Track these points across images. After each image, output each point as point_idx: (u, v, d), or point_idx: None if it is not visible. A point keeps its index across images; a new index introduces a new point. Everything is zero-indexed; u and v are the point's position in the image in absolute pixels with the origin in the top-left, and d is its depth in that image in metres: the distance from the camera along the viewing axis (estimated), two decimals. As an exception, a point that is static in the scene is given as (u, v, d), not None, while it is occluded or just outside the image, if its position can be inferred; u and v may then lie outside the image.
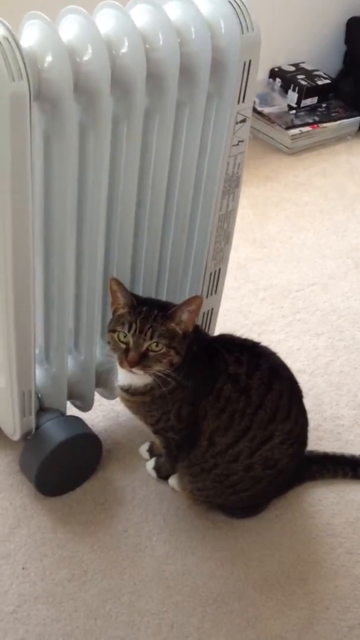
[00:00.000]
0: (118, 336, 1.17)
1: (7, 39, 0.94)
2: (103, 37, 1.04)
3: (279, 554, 1.32)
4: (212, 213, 1.32)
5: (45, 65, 0.99)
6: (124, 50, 1.06)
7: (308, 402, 1.34)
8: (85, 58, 1.02)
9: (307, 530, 1.36)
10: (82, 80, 1.03)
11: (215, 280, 1.44)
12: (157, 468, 1.41)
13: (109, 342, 1.21)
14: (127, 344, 1.16)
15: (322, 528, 1.37)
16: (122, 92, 1.09)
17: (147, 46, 1.08)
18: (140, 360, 1.15)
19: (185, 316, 1.17)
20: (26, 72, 0.95)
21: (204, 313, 1.48)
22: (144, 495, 1.39)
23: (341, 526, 1.38)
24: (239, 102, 1.21)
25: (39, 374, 1.31)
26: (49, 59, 0.99)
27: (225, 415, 1.24)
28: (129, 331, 1.16)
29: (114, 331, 1.18)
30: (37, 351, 1.29)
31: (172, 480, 1.39)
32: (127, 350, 1.16)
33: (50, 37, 0.99)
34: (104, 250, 1.25)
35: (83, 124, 1.09)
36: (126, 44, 1.06)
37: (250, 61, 1.18)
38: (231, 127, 1.23)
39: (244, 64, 1.17)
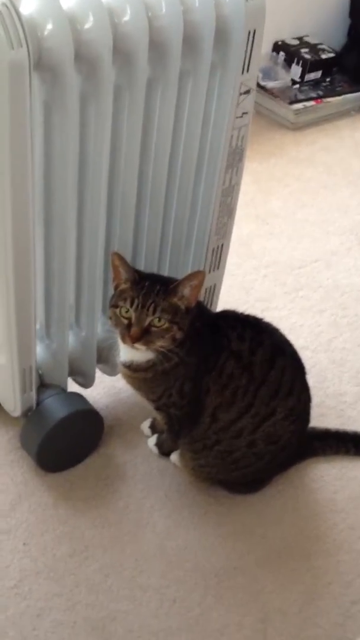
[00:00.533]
0: (120, 311, 1.16)
1: (7, 5, 0.92)
2: (104, 4, 1.01)
3: (281, 529, 1.32)
4: (215, 187, 1.30)
5: (46, 33, 0.97)
6: (126, 18, 1.03)
7: (311, 379, 1.34)
8: (87, 26, 1.00)
9: (310, 506, 1.36)
10: (83, 48, 1.01)
11: (217, 256, 1.42)
12: (158, 444, 1.41)
13: (110, 318, 1.20)
14: (129, 319, 1.15)
15: (325, 504, 1.37)
16: (124, 61, 1.06)
17: (150, 14, 1.06)
18: (142, 336, 1.14)
19: (187, 291, 1.16)
20: (26, 40, 0.93)
21: (206, 289, 1.47)
22: (146, 472, 1.38)
23: (343, 502, 1.37)
24: (243, 73, 1.19)
25: (39, 350, 1.30)
26: (49, 26, 0.97)
27: (228, 392, 1.23)
28: (131, 306, 1.15)
29: (115, 306, 1.17)
30: (37, 327, 1.28)
31: (174, 457, 1.38)
32: (129, 326, 1.15)
33: (51, 4, 0.97)
34: (106, 225, 1.24)
35: (84, 94, 1.07)
36: (128, 11, 1.03)
37: (254, 30, 1.16)
38: (235, 98, 1.20)
39: (249, 33, 1.15)
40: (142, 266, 1.32)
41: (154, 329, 1.15)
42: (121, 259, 1.17)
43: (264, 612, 1.21)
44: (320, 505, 1.37)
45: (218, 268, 1.45)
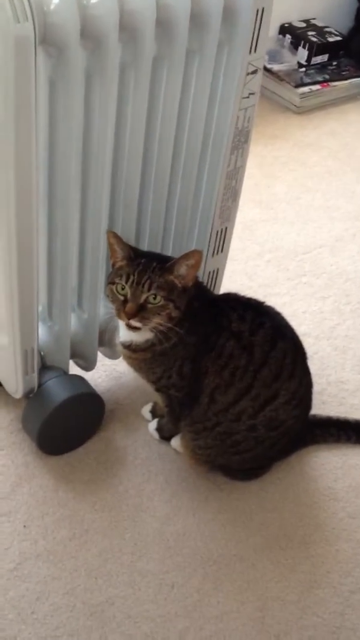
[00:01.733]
0: (116, 288, 1.16)
1: (12, -22, 0.89)
2: (111, -21, 0.99)
3: (280, 517, 1.31)
4: (220, 169, 1.28)
5: (52, 7, 0.94)
6: (133, -7, 1.01)
7: (312, 366, 1.32)
8: (93, 1, 0.98)
9: (310, 494, 1.35)
10: (89, 24, 0.99)
11: (221, 239, 1.41)
12: (159, 429, 1.40)
13: (107, 295, 1.19)
14: (125, 295, 1.15)
15: (325, 492, 1.36)
16: (130, 38, 1.04)
17: (157, -10, 1.03)
18: (138, 312, 1.14)
19: (183, 270, 1.15)
20: (32, 14, 0.91)
21: (209, 273, 1.45)
22: (146, 456, 1.37)
23: (344, 490, 1.37)
24: (250, 52, 1.16)
25: (41, 331, 1.29)
26: (55, 1, 0.94)
27: (227, 372, 1.22)
28: (126, 282, 1.14)
29: (112, 283, 1.17)
30: (40, 309, 1.27)
31: (175, 442, 1.38)
32: (125, 302, 1.15)
33: (57, -23, 0.95)
34: (109, 206, 1.22)
35: (89, 71, 1.05)
36: (135, -13, 1.01)
37: (263, 9, 1.13)
38: (242, 78, 1.18)
39: (257, 12, 1.13)
40: (145, 247, 1.31)
41: (149, 305, 1.14)
42: (116, 236, 1.16)
43: (263, 600, 1.20)
44: (321, 494, 1.36)
45: (221, 252, 1.43)
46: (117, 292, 1.15)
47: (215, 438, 1.26)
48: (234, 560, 1.25)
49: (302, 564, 1.25)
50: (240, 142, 1.27)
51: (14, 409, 1.40)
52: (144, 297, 1.14)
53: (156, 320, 1.14)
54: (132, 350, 1.22)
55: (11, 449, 1.35)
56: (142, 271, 1.14)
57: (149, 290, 1.13)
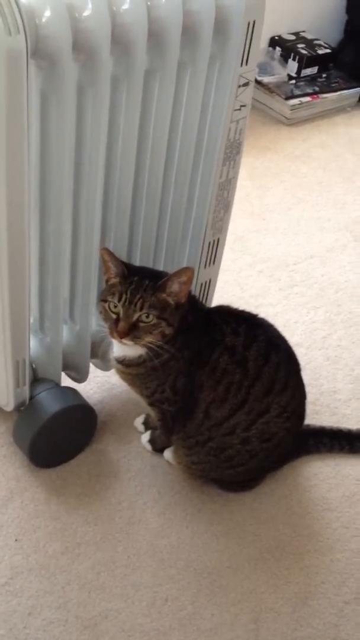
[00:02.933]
0: (109, 306, 1.15)
1: (4, -10, 0.90)
2: (103, -8, 0.99)
3: (274, 528, 1.31)
4: (212, 180, 1.28)
5: (44, 20, 0.95)
6: (125, 6, 1.01)
7: (305, 376, 1.32)
8: (85, 14, 0.98)
9: (303, 505, 1.35)
10: (81, 37, 0.99)
11: (213, 251, 1.41)
12: (152, 441, 1.39)
13: (100, 312, 1.19)
14: (117, 314, 1.14)
15: (318, 502, 1.36)
16: (122, 50, 1.04)
17: (149, 3, 1.04)
18: (130, 331, 1.13)
19: (176, 287, 1.15)
20: (24, 26, 0.91)
21: (201, 284, 1.45)
22: (139, 468, 1.37)
23: (337, 500, 1.36)
24: (242, 65, 1.17)
25: (33, 343, 1.29)
26: (47, 13, 0.95)
27: (222, 387, 1.22)
28: (119, 301, 1.14)
29: (105, 301, 1.16)
30: (31, 320, 1.26)
31: (167, 454, 1.37)
32: (117, 321, 1.14)
33: (49, -10, 0.95)
34: (101, 217, 1.22)
35: (81, 83, 1.05)
36: (128, 0, 1.01)
37: (254, 22, 1.14)
38: (233, 90, 1.19)
39: (248, 25, 1.13)
40: (137, 259, 1.31)
41: (142, 324, 1.14)
42: (110, 254, 1.16)
43: (257, 612, 1.19)
44: (314, 504, 1.36)
45: (214, 263, 1.44)
46: (110, 310, 1.15)
47: (208, 453, 1.26)
48: (228, 572, 1.24)
49: (296, 575, 1.25)
50: (232, 153, 1.28)
51: (5, 422, 1.39)
52: (136, 316, 1.13)
53: (148, 339, 1.14)
54: (126, 365, 1.22)
55: (2, 462, 1.34)
56: (135, 290, 1.14)
57: (141, 309, 1.13)
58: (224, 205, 1.35)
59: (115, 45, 1.03)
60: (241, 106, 1.23)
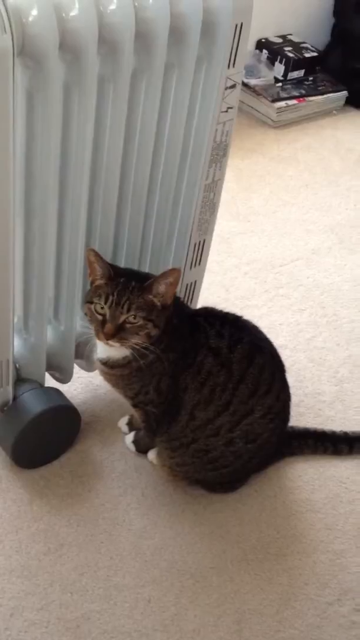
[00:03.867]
0: (95, 308, 1.15)
1: (-10, -11, 0.89)
2: (91, -8, 0.99)
3: (258, 529, 1.31)
4: (198, 182, 1.28)
5: (30, 19, 0.94)
6: (112, 7, 1.01)
7: (290, 378, 1.33)
8: (72, 14, 0.98)
9: (287, 506, 1.36)
10: (67, 36, 0.99)
11: (199, 252, 1.41)
12: (136, 442, 1.39)
13: (85, 314, 1.19)
14: (104, 315, 1.14)
15: (302, 504, 1.36)
16: (109, 51, 1.04)
17: (136, 4, 1.03)
18: (116, 333, 1.13)
19: (162, 288, 1.15)
20: (10, 25, 0.91)
21: (187, 285, 1.45)
22: (123, 469, 1.37)
23: (321, 502, 1.37)
24: (229, 67, 1.18)
25: (17, 343, 1.28)
26: (34, 12, 0.94)
27: (206, 389, 1.22)
28: (105, 303, 1.13)
29: (91, 302, 1.16)
30: (15, 320, 1.25)
31: (151, 454, 1.37)
32: (103, 322, 1.14)
33: (36, -11, 0.95)
34: (87, 217, 1.21)
35: (67, 83, 1.04)
36: (115, 0, 1.01)
37: (241, 24, 1.14)
38: (220, 92, 1.19)
39: (235, 27, 1.14)
40: (122, 260, 1.31)
41: (128, 325, 1.14)
42: (96, 254, 1.15)
43: (240, 613, 1.20)
44: (298, 505, 1.36)
45: (199, 264, 1.44)
46: (96, 311, 1.15)
47: (192, 455, 1.26)
48: (211, 573, 1.24)
49: (279, 576, 1.25)
50: (219, 155, 1.28)
51: (-11, 422, 1.38)
52: (123, 317, 1.13)
53: (134, 340, 1.14)
54: (110, 367, 1.22)
55: (-14, 463, 1.34)
56: (121, 291, 1.13)
57: (128, 311, 1.13)
58: (210, 206, 1.35)
59: (102, 45, 1.02)
60: (228, 108, 1.23)
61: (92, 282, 1.18)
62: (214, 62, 1.16)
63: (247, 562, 1.26)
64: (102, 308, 1.14)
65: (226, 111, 1.23)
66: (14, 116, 0.98)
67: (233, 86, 1.21)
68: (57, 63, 0.99)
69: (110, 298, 1.13)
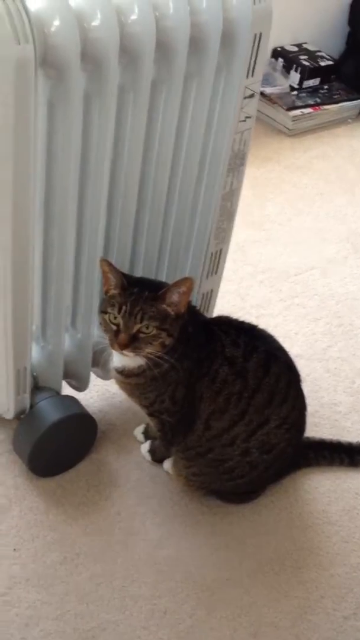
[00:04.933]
0: (109, 317, 1.15)
1: (14, 0, 0.89)
2: (112, 3, 0.99)
3: (274, 540, 1.30)
4: (216, 191, 1.28)
5: (52, 29, 0.95)
6: (133, 17, 1.01)
7: (305, 388, 1.32)
8: (94, 24, 0.98)
9: (303, 518, 1.35)
10: (89, 47, 0.99)
11: (216, 261, 1.41)
12: (152, 451, 1.39)
13: (100, 323, 1.19)
14: (117, 325, 1.14)
15: (318, 516, 1.35)
16: (129, 61, 1.04)
17: (157, 14, 1.04)
18: (130, 343, 1.13)
19: (175, 298, 1.14)
20: (32, 35, 0.91)
21: (203, 294, 1.45)
22: (138, 479, 1.36)
23: (337, 514, 1.36)
24: (247, 76, 1.18)
25: (35, 351, 1.28)
26: (56, 23, 0.95)
27: (222, 399, 1.21)
28: (119, 313, 1.13)
29: (105, 312, 1.16)
30: (33, 328, 1.26)
31: (167, 464, 1.36)
32: (117, 332, 1.14)
33: (59, 0, 0.95)
34: (105, 226, 1.21)
35: (88, 93, 1.05)
36: (136, 10, 1.01)
37: (260, 34, 1.14)
38: (239, 101, 1.19)
39: (255, 37, 1.14)
40: (140, 268, 1.30)
41: (142, 335, 1.13)
42: (110, 265, 1.15)
43: (256, 626, 1.19)
44: (314, 517, 1.35)
45: (216, 273, 1.43)
46: (110, 321, 1.15)
47: (208, 465, 1.26)
48: (227, 585, 1.23)
49: (295, 589, 1.24)
50: (236, 164, 1.28)
51: (5, 430, 1.38)
52: (136, 327, 1.13)
53: (149, 350, 1.14)
54: (125, 376, 1.21)
55: (1, 471, 1.33)
56: (135, 301, 1.13)
57: (141, 321, 1.13)
58: (227, 215, 1.35)
59: (123, 55, 1.03)
60: (246, 117, 1.23)
61: (106, 292, 1.18)
62: (233, 72, 1.16)
63: (263, 575, 1.26)
64: (115, 318, 1.14)
65: (244, 120, 1.23)
66: (35, 125, 0.98)
67: (252, 95, 1.21)
68: (78, 73, 0.99)
69: (124, 308, 1.13)
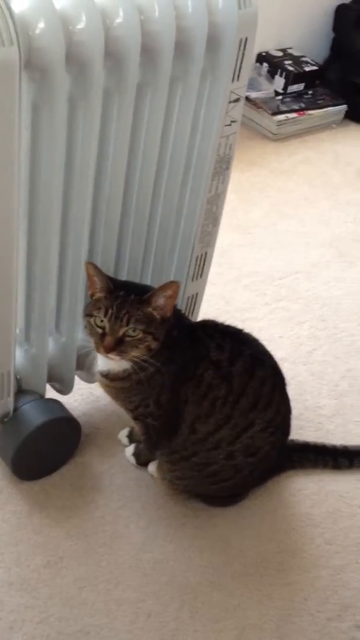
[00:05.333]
0: (95, 321, 1.15)
1: (-2, 1, 0.89)
2: (98, 6, 0.99)
3: (258, 543, 1.31)
4: (201, 195, 1.29)
5: (37, 32, 0.95)
6: (118, 20, 1.02)
7: (290, 391, 1.33)
8: (79, 27, 0.98)
9: (287, 520, 1.35)
10: (74, 49, 0.99)
11: (201, 264, 1.41)
12: (136, 454, 1.38)
13: (85, 327, 1.19)
14: (103, 328, 1.14)
15: (302, 518, 1.36)
16: (114, 64, 1.05)
17: (142, 17, 1.04)
18: (116, 346, 1.13)
19: (162, 301, 1.15)
20: (17, 38, 0.91)
21: (188, 298, 1.45)
22: (123, 482, 1.36)
23: (321, 516, 1.36)
24: (233, 81, 1.18)
25: (18, 355, 1.28)
26: (41, 25, 0.94)
27: (207, 403, 1.21)
28: (105, 316, 1.13)
29: (90, 315, 1.16)
30: (17, 331, 1.25)
31: (152, 467, 1.36)
32: (103, 335, 1.14)
33: (43, 2, 0.95)
34: (90, 229, 1.21)
35: (73, 96, 1.05)
36: (121, 14, 1.02)
37: (246, 39, 1.15)
38: (224, 106, 1.19)
39: (240, 41, 1.14)
40: (124, 272, 1.31)
41: (128, 338, 1.13)
42: (95, 268, 1.15)
43: (240, 628, 1.19)
44: (298, 520, 1.36)
45: (201, 276, 1.44)
46: (96, 325, 1.14)
47: (192, 468, 1.26)
48: (212, 587, 1.23)
49: (279, 591, 1.25)
50: (222, 168, 1.28)
51: (-11, 433, 1.37)
52: (122, 331, 1.13)
53: (134, 353, 1.14)
54: (110, 379, 1.21)
55: (-15, 474, 1.33)
56: (121, 304, 1.13)
57: (127, 324, 1.13)
58: (212, 219, 1.35)
59: (107, 58, 1.03)
60: (231, 121, 1.23)
61: (91, 295, 1.18)
62: (218, 76, 1.16)
63: (248, 577, 1.26)
64: (101, 321, 1.14)
65: (230, 125, 1.24)
66: (19, 128, 0.98)
67: (237, 100, 1.21)
68: (63, 76, 0.99)
69: (110, 311, 1.13)
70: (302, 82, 2.55)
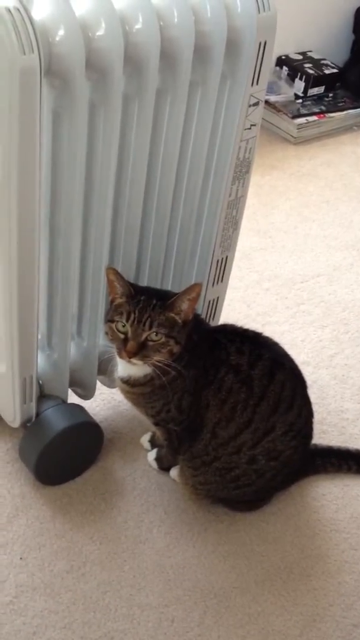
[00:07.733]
0: (116, 326, 1.15)
1: (19, 10, 0.90)
2: (117, 12, 1.00)
3: (282, 548, 1.30)
4: (221, 199, 1.28)
5: (57, 39, 0.95)
6: (138, 26, 1.02)
7: (312, 395, 1.32)
8: (99, 33, 0.99)
9: (311, 525, 1.34)
10: (94, 56, 0.99)
11: (221, 269, 1.41)
12: (158, 459, 1.38)
13: (106, 333, 1.19)
14: (125, 334, 1.14)
15: (326, 523, 1.35)
16: (134, 70, 1.05)
17: (162, 23, 1.04)
18: (139, 351, 1.13)
19: (185, 305, 1.15)
20: (37, 45, 0.91)
21: (209, 302, 1.45)
22: (145, 487, 1.36)
23: (345, 521, 1.35)
24: (252, 85, 1.18)
25: (40, 360, 1.28)
26: (61, 32, 0.95)
27: (227, 407, 1.21)
28: (127, 321, 1.13)
29: (112, 321, 1.16)
30: (39, 337, 1.26)
31: (174, 472, 1.36)
32: (125, 340, 1.14)
33: (63, 10, 0.95)
34: (111, 234, 1.22)
35: (93, 102, 1.05)
36: (140, 20, 1.02)
37: (265, 42, 1.15)
38: (244, 109, 1.19)
39: (259, 45, 1.14)
40: (145, 277, 1.31)
41: (150, 343, 1.13)
42: (116, 273, 1.15)
43: (264, 634, 1.18)
44: (322, 525, 1.35)
45: (222, 281, 1.43)
46: (117, 330, 1.15)
47: (214, 473, 1.25)
48: (235, 593, 1.23)
49: (304, 596, 1.24)
50: (242, 172, 1.28)
51: (11, 438, 1.38)
52: (145, 335, 1.13)
53: (157, 358, 1.14)
54: (131, 385, 1.21)
55: (7, 479, 1.33)
56: (143, 309, 1.13)
57: (150, 328, 1.13)
58: (232, 223, 1.35)
59: (127, 64, 1.03)
60: (251, 125, 1.23)
61: (112, 301, 1.18)
62: (237, 80, 1.16)
63: (271, 582, 1.25)
64: (123, 326, 1.14)
65: (249, 128, 1.24)
66: (41, 135, 0.99)
67: (256, 104, 1.21)
68: (83, 82, 1.00)
69: (132, 316, 1.13)
70: (322, 85, 2.54)
